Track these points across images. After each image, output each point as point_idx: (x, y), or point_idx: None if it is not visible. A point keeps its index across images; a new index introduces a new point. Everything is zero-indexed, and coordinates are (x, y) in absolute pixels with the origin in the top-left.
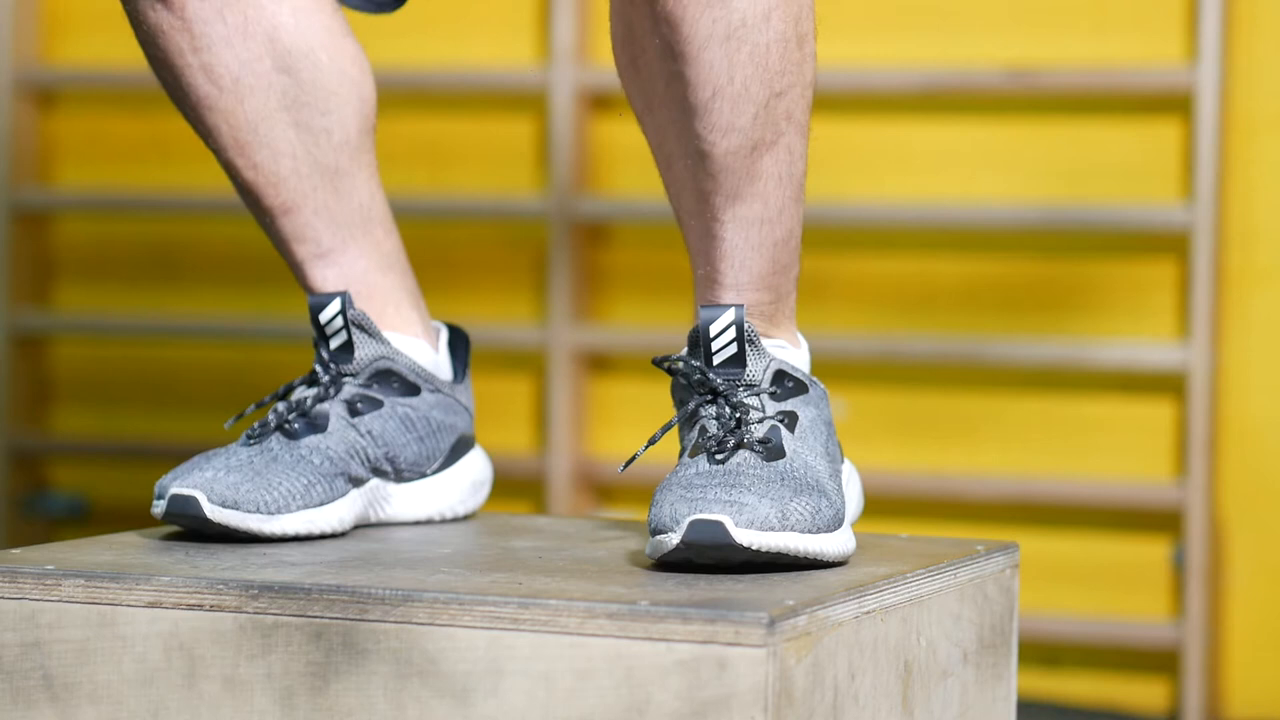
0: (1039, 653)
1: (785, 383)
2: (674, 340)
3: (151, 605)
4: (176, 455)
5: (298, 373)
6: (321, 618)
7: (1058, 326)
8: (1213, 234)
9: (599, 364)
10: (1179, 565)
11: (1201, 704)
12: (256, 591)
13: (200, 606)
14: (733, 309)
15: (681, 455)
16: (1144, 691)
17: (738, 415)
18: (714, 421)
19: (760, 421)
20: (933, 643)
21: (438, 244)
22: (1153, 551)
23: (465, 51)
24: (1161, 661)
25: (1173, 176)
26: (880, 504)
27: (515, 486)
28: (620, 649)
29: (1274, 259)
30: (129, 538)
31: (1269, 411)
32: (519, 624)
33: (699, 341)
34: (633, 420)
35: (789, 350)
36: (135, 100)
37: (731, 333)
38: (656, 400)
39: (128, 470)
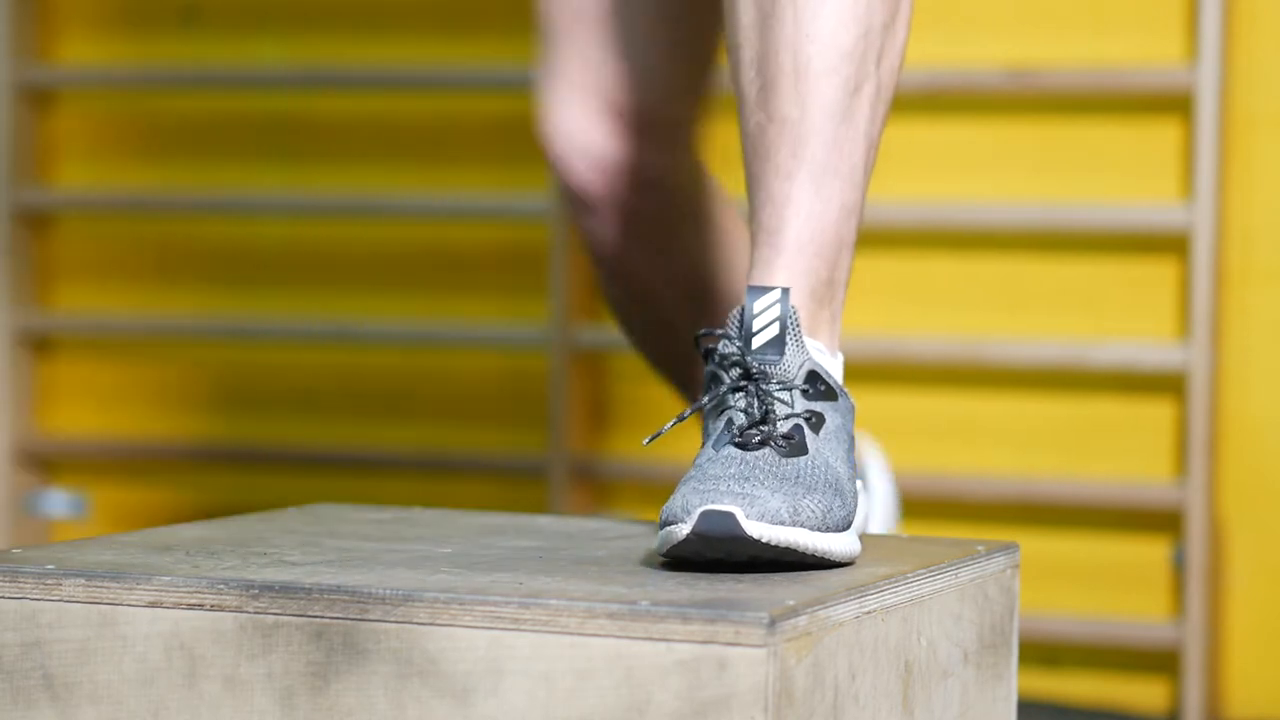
0: (1039, 653)
1: (817, 384)
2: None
3: (152, 605)
4: (177, 455)
5: (296, 372)
6: (322, 617)
7: (1058, 326)
8: (1213, 234)
9: (597, 364)
10: (1179, 565)
11: (1201, 704)
12: (257, 591)
13: (201, 606)
14: (780, 291)
15: (705, 443)
16: (1144, 691)
17: (765, 408)
18: (741, 413)
19: (787, 418)
20: (933, 643)
21: (438, 243)
22: (1153, 551)
23: (465, 51)
24: (1161, 661)
25: (1173, 176)
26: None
27: (515, 486)
28: (620, 649)
29: (1274, 259)
30: (129, 538)
31: (1269, 411)
32: (519, 624)
33: (741, 318)
34: (633, 420)
35: (825, 356)
36: (135, 101)
37: (776, 311)
38: (656, 400)
39: (128, 470)
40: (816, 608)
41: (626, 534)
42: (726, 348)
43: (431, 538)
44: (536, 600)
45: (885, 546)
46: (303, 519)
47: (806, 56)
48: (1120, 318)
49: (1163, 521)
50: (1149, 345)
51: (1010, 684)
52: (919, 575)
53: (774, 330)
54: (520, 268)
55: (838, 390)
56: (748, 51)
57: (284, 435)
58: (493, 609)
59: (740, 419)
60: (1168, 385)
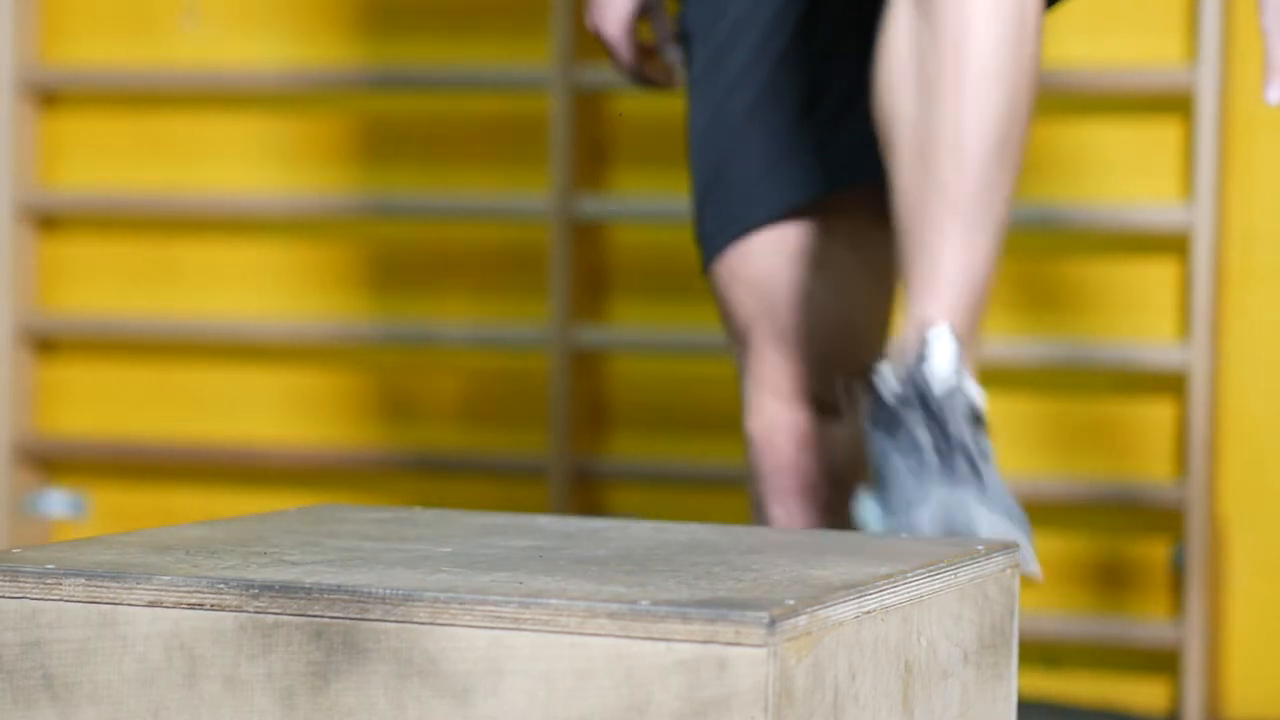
0: (1039, 653)
1: (979, 418)
2: (674, 340)
3: (152, 605)
4: (177, 456)
5: (294, 372)
6: (322, 617)
7: (1058, 326)
8: (1213, 234)
9: (599, 364)
10: (1179, 565)
11: (1201, 704)
12: (257, 591)
13: (201, 606)
14: (948, 327)
15: (889, 474)
16: (1144, 691)
17: (961, 441)
18: (931, 443)
19: (979, 452)
20: (933, 643)
21: (438, 243)
22: (1153, 551)
23: (466, 50)
24: (1161, 661)
25: (1173, 176)
26: None
27: (515, 486)
28: (620, 649)
29: (1274, 259)
30: (129, 537)
31: (1269, 411)
32: (519, 623)
33: (920, 357)
34: (633, 420)
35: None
36: (135, 100)
37: (952, 348)
38: (657, 400)
39: (128, 470)
40: (816, 608)
41: (626, 534)
42: (908, 384)
43: (431, 538)
44: (536, 600)
45: (885, 546)
46: (303, 519)
47: (963, 133)
48: (1120, 318)
49: (1163, 521)
50: (1149, 345)
51: (1010, 684)
52: (919, 575)
53: (951, 366)
54: (520, 268)
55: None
56: (907, 129)
57: (284, 435)
58: (493, 609)
59: (933, 454)
60: (1168, 385)
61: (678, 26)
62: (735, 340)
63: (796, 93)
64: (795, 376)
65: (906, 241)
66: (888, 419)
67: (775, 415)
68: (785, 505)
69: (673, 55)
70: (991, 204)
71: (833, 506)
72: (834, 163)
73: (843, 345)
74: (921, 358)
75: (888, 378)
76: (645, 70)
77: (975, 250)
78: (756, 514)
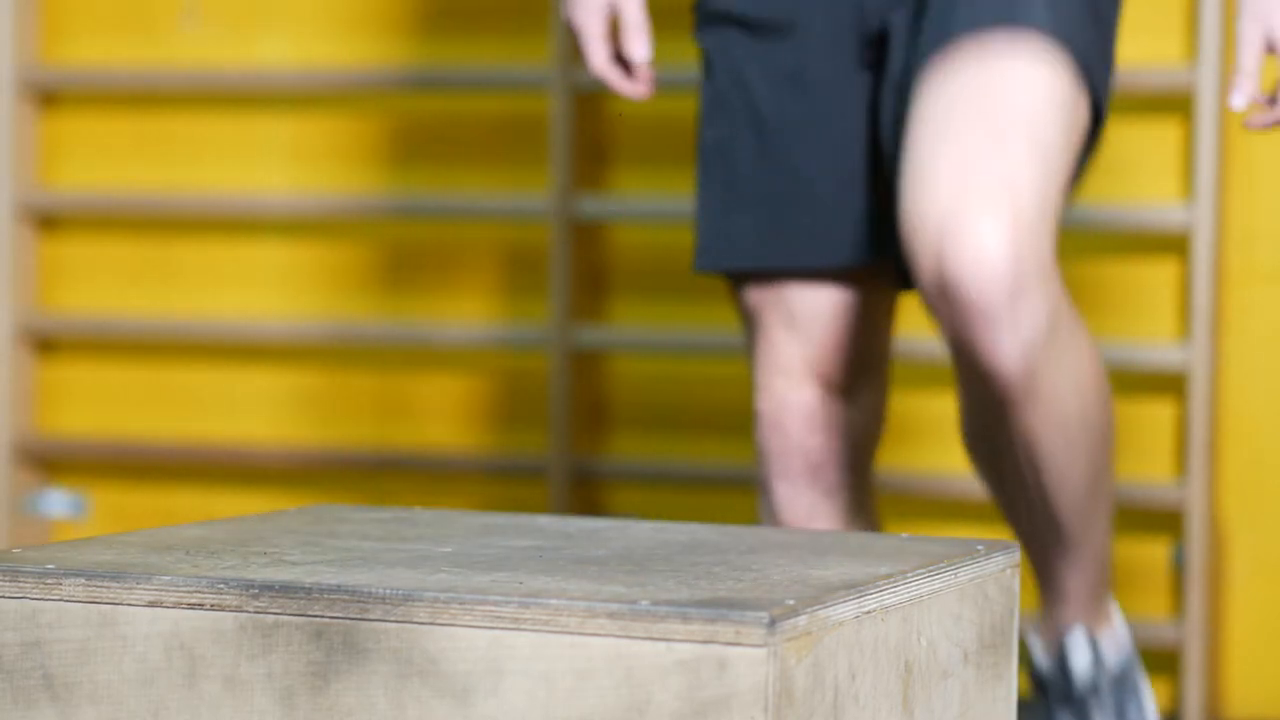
0: None
1: (1125, 684)
2: (674, 340)
3: (152, 605)
4: (177, 456)
5: (294, 372)
6: (322, 617)
7: None
8: (1213, 234)
9: (599, 364)
10: (1179, 565)
11: (1201, 704)
12: (257, 591)
13: (201, 606)
14: (1081, 630)
15: None
16: None
17: None
18: None
19: None
20: (933, 643)
21: (437, 243)
22: (1153, 551)
23: (466, 50)
24: (1161, 662)
25: (1173, 176)
26: (881, 504)
27: (515, 486)
28: (620, 649)
29: (1274, 259)
30: (129, 537)
31: (1269, 411)
32: (519, 623)
33: (1060, 658)
34: (633, 420)
35: (1109, 633)
36: (135, 100)
37: (1086, 650)
38: (656, 400)
39: (128, 470)
40: (816, 608)
41: (626, 534)
42: (1055, 682)
43: (431, 538)
44: (536, 600)
45: (885, 546)
46: (303, 519)
47: (1064, 476)
48: (1120, 318)
49: (1163, 521)
50: (1149, 345)
51: (1010, 684)
52: (919, 575)
53: (1086, 663)
54: (520, 267)
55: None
56: (1002, 498)
57: (284, 435)
58: (493, 609)
59: None
60: (1168, 385)
61: (699, 43)
62: (745, 320)
63: (861, 151)
64: (805, 357)
65: (1028, 553)
66: (1043, 704)
67: (784, 395)
68: (792, 484)
69: (638, 49)
70: (1095, 523)
71: (839, 488)
72: (885, 232)
73: (854, 332)
74: (1061, 658)
75: (1038, 658)
76: (616, 71)
77: (1090, 559)
78: (763, 494)
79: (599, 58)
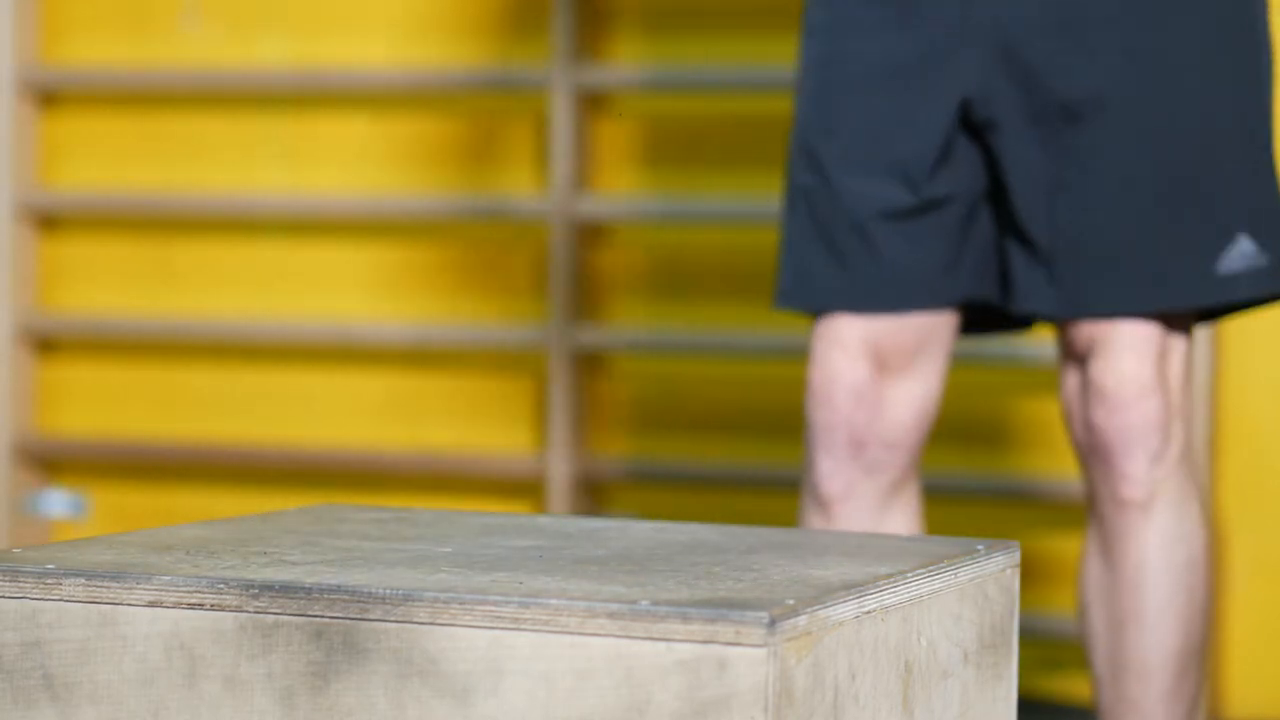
0: (1039, 653)
1: None
2: (673, 340)
3: (152, 605)
4: (177, 456)
5: (294, 372)
6: (322, 617)
7: None
8: None
9: (599, 364)
10: None
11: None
12: (257, 591)
13: (201, 606)
14: None
15: None
16: None
17: None
18: None
19: None
20: (933, 642)
21: (438, 244)
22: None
23: (466, 50)
24: None
25: None
26: None
27: (515, 486)
28: (621, 649)
29: None
30: (129, 537)
31: (1269, 411)
32: (519, 623)
33: None
34: (633, 420)
35: None
36: (135, 100)
37: None
38: (656, 400)
39: (128, 470)
40: (816, 608)
41: (626, 534)
42: None
43: (431, 538)
44: (536, 600)
45: (885, 546)
46: (303, 519)
47: (1148, 665)
48: None
49: None
50: None
51: (1010, 684)
52: (919, 575)
53: None
54: (520, 268)
55: None
56: (1101, 650)
57: (284, 435)
58: (493, 609)
59: None
60: None
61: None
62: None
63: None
64: (863, 335)
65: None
66: None
67: (836, 368)
68: (834, 457)
69: None
70: (1176, 705)
71: (880, 468)
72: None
73: (915, 322)
74: None
75: None
76: None
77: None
78: (806, 468)
79: None
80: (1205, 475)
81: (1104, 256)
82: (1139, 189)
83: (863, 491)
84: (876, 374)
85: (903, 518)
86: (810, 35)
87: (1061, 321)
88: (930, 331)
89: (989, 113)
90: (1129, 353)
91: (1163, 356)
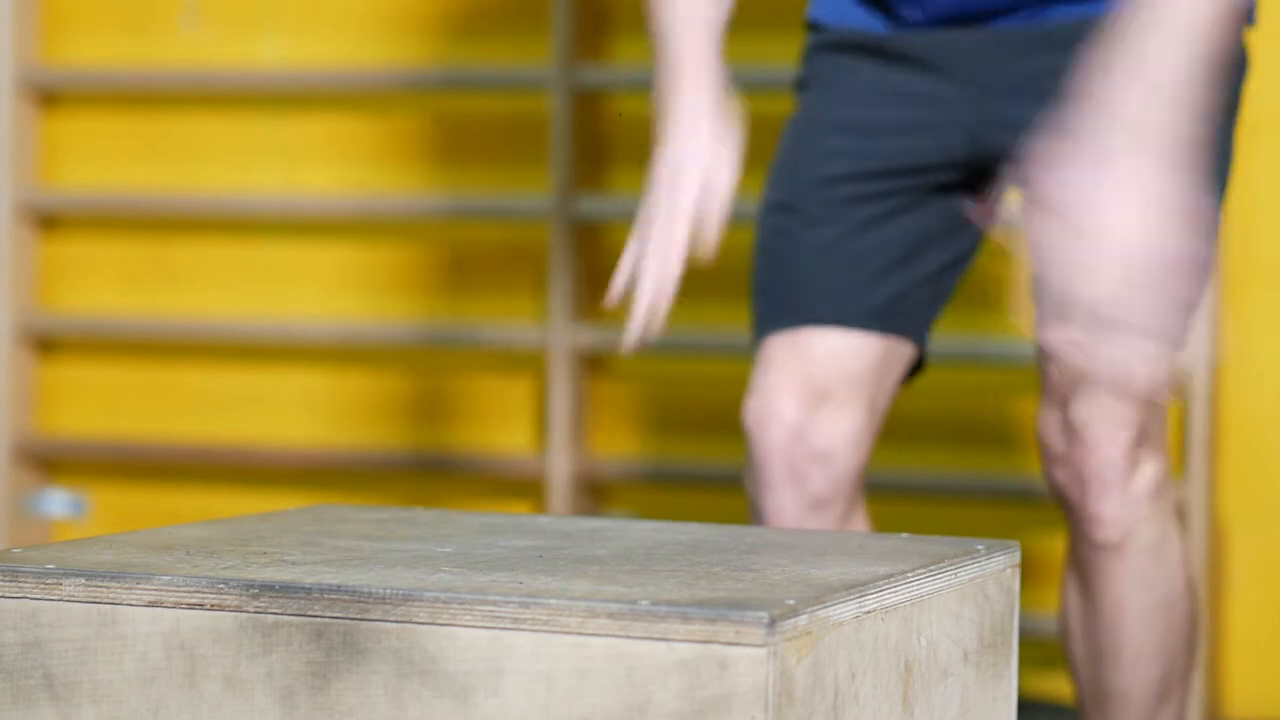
0: (1039, 653)
1: None
2: (673, 339)
3: (152, 604)
4: (177, 456)
5: (294, 372)
6: (322, 617)
7: None
8: None
9: (599, 364)
10: None
11: (1201, 704)
12: (257, 591)
13: (201, 606)
14: None
15: None
16: None
17: None
18: None
19: None
20: (933, 642)
21: (438, 243)
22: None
23: (466, 50)
24: None
25: None
26: (881, 504)
27: (515, 486)
28: (621, 648)
29: (1274, 259)
30: (129, 537)
31: (1269, 411)
32: (520, 623)
33: None
34: (633, 420)
35: None
36: (135, 100)
37: None
38: (656, 400)
39: (128, 470)
40: (816, 607)
41: (626, 534)
42: None
43: (431, 538)
44: (536, 600)
45: (885, 546)
46: (303, 519)
47: (1129, 688)
48: None
49: None
50: None
51: (1010, 684)
52: (919, 575)
53: None
54: (520, 266)
55: None
56: (1083, 673)
57: (284, 435)
58: (493, 608)
59: None
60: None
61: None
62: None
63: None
64: (801, 367)
65: None
66: None
67: (773, 398)
68: (776, 498)
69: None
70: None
71: (826, 500)
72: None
73: (859, 363)
74: None
75: None
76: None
77: None
78: (751, 511)
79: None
80: (1205, 475)
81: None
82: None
83: (805, 518)
84: (816, 404)
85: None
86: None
87: (1042, 353)
88: (869, 361)
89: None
90: (1104, 395)
91: (1139, 396)
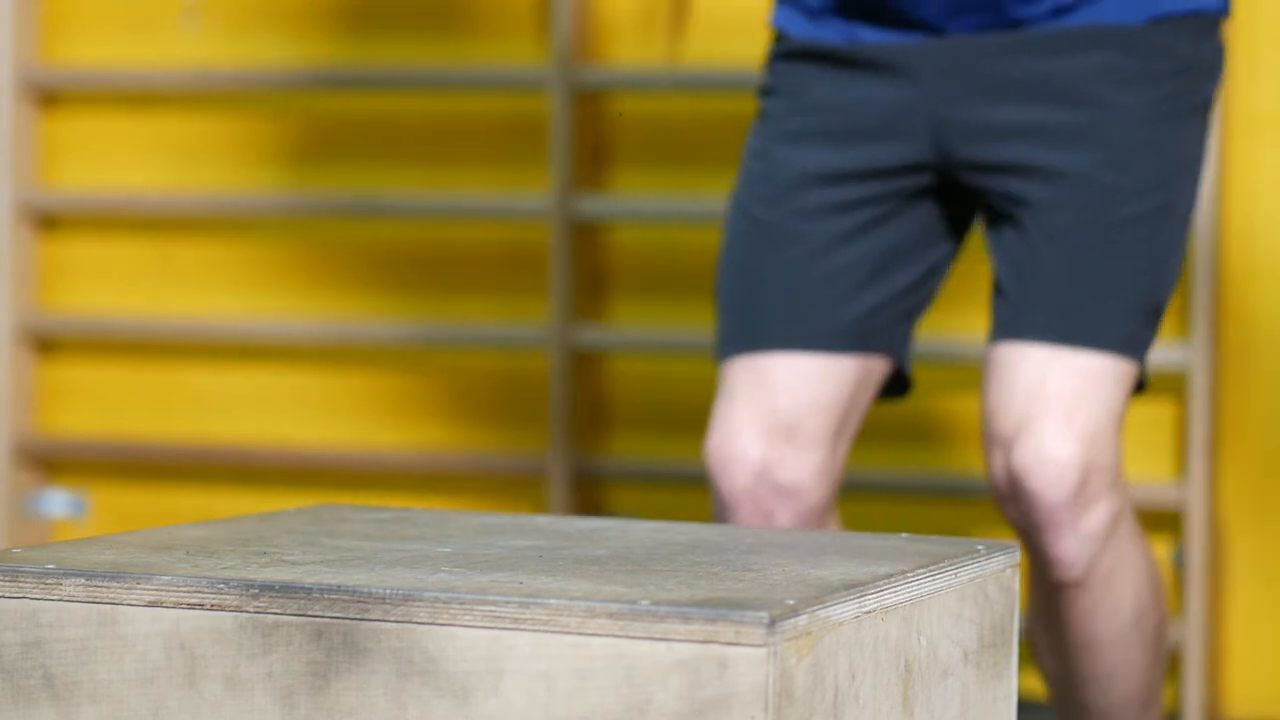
0: None
1: None
2: (674, 340)
3: (152, 604)
4: (177, 456)
5: (294, 372)
6: (322, 617)
7: None
8: (1213, 234)
9: (599, 364)
10: (1179, 565)
11: (1201, 704)
12: (257, 591)
13: (201, 606)
14: None
15: None
16: None
17: None
18: None
19: None
20: (933, 642)
21: (438, 243)
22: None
23: (466, 50)
24: None
25: None
26: (881, 504)
27: (515, 486)
28: (621, 648)
29: (1274, 259)
30: (129, 537)
31: (1269, 411)
32: (520, 623)
33: None
34: (633, 420)
35: None
36: (135, 100)
37: None
38: (656, 400)
39: (128, 470)
40: (816, 607)
41: (626, 534)
42: None
43: (431, 538)
44: (536, 600)
45: (885, 546)
46: (303, 519)
47: (1109, 703)
48: None
49: (1163, 521)
50: None
51: (1010, 684)
52: (919, 575)
53: None
54: (520, 268)
55: None
56: (1058, 690)
57: (284, 435)
58: (493, 608)
59: None
60: (1168, 385)
61: (764, 78)
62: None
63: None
64: (765, 399)
65: None
66: None
67: (735, 437)
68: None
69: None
70: None
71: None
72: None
73: (825, 395)
74: None
75: None
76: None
77: None
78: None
79: None
80: (1205, 475)
81: (1039, 291)
82: (1076, 242)
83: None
84: (782, 441)
85: None
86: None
87: (993, 377)
88: (839, 384)
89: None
90: (1052, 434)
91: (1090, 430)
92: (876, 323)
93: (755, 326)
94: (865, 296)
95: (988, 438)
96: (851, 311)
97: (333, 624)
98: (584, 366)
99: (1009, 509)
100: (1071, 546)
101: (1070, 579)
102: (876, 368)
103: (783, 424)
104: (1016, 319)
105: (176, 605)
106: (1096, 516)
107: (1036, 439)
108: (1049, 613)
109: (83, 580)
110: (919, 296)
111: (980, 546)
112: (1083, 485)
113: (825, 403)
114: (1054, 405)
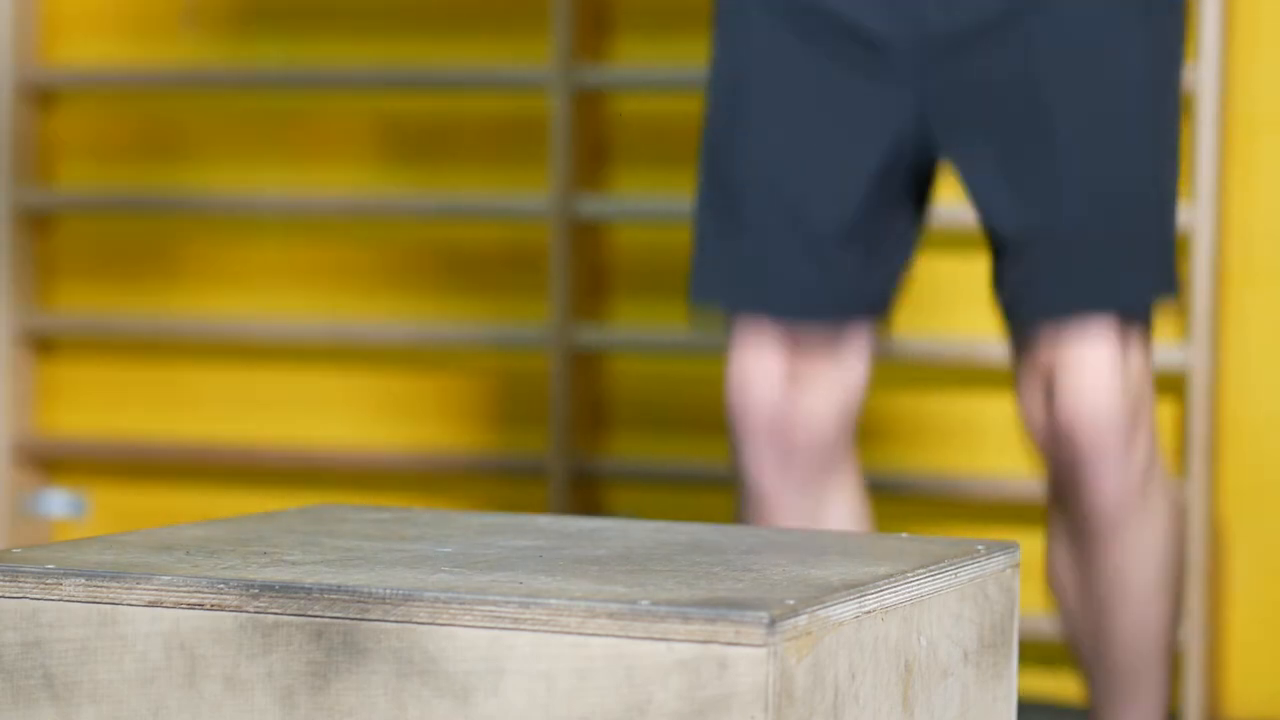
0: (1039, 653)
1: None
2: (674, 340)
3: (152, 604)
4: (177, 456)
5: (294, 372)
6: (322, 617)
7: None
8: (1213, 234)
9: (598, 364)
10: None
11: (1201, 704)
12: (257, 591)
13: (201, 606)
14: None
15: None
16: None
17: None
18: None
19: None
20: (933, 642)
21: (438, 243)
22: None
23: (466, 50)
24: None
25: None
26: (880, 504)
27: (514, 486)
28: (621, 648)
29: (1274, 259)
30: (129, 537)
31: (1269, 411)
32: (520, 623)
33: None
34: (633, 420)
35: None
36: (135, 100)
37: None
38: (656, 400)
39: (128, 470)
40: (816, 607)
41: (626, 534)
42: None
43: (431, 538)
44: (536, 600)
45: (885, 546)
46: (303, 519)
47: (1143, 617)
48: None
49: None
50: None
51: (1010, 684)
52: (919, 575)
53: None
54: (520, 268)
55: None
56: (1077, 622)
57: (284, 435)
58: (493, 608)
59: None
60: (1168, 385)
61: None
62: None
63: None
64: (780, 335)
65: (1094, 703)
66: None
67: (756, 362)
68: (766, 475)
69: None
70: (1162, 673)
71: (806, 459)
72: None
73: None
74: None
75: None
76: None
77: (1153, 711)
78: (735, 464)
79: None
80: (1205, 475)
81: (1065, 256)
82: (1094, 194)
83: (793, 485)
84: (792, 369)
85: (841, 510)
86: (719, 40)
87: (1022, 330)
88: (847, 330)
89: (930, 138)
90: (1106, 362)
91: (1127, 370)
92: (864, 282)
93: (751, 290)
94: (849, 258)
95: (1027, 373)
96: (837, 275)
97: (333, 624)
98: (584, 366)
99: (1050, 448)
100: (1118, 480)
101: (1112, 516)
102: (870, 325)
103: (796, 368)
104: (1047, 257)
105: (176, 605)
106: (1142, 449)
107: (1091, 367)
108: (1077, 552)
109: (83, 580)
110: (904, 249)
111: (980, 546)
112: (1135, 413)
113: (829, 354)
114: (1103, 337)
